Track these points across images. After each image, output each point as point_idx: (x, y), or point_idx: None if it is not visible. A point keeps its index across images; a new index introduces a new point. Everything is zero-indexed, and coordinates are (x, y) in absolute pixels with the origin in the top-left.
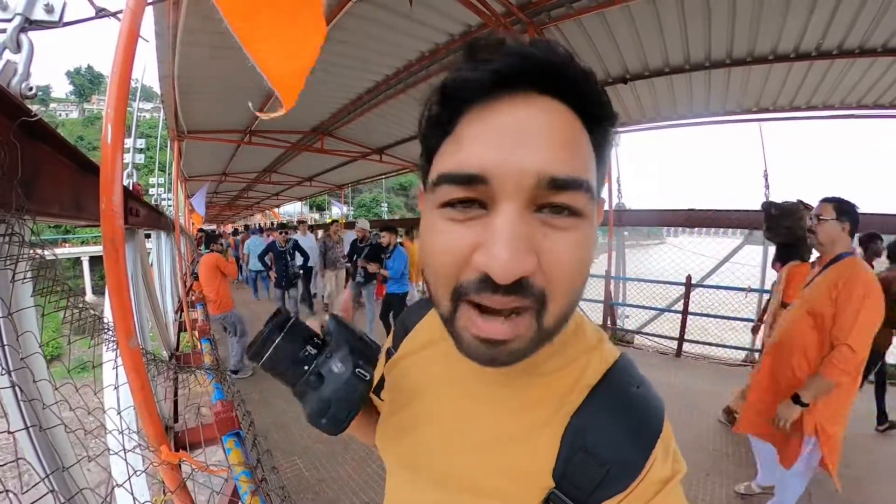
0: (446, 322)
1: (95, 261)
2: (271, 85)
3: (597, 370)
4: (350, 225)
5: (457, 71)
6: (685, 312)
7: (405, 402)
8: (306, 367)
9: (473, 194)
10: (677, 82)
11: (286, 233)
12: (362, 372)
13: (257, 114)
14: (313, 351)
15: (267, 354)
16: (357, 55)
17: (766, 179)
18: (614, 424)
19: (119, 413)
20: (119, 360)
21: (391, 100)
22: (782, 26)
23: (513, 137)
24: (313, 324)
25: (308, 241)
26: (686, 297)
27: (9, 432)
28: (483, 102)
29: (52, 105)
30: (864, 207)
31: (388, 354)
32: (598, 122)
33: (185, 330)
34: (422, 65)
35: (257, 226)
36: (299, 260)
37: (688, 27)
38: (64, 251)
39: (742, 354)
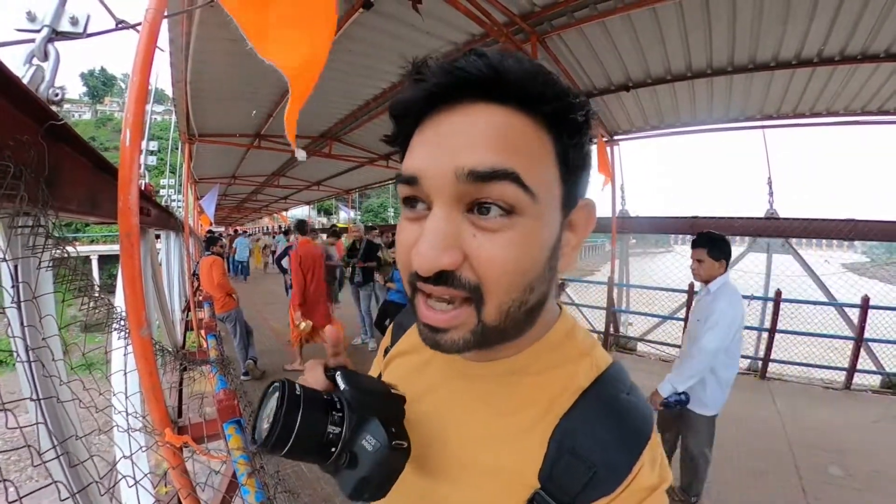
0: (412, 309)
1: (104, 260)
2: (285, 76)
3: (588, 375)
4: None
5: (400, 93)
6: (687, 320)
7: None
8: (333, 449)
9: (416, 193)
10: (679, 90)
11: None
12: (399, 443)
13: (298, 149)
14: (337, 429)
15: (288, 446)
16: (364, 63)
17: (770, 186)
18: (603, 428)
19: (127, 397)
20: (129, 348)
21: None
22: (783, 33)
23: (441, 141)
24: (317, 379)
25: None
26: (688, 304)
27: (31, 399)
28: (429, 116)
29: (66, 106)
30: (866, 214)
31: (386, 352)
32: (554, 119)
33: (192, 329)
34: None
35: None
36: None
37: (689, 35)
38: (73, 250)
39: (745, 363)
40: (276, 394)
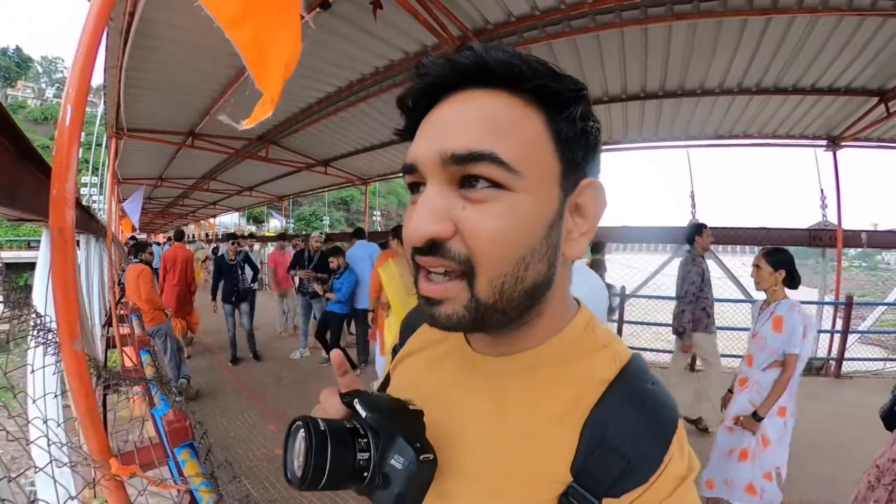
0: (415, 288)
1: (7, 268)
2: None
3: (611, 366)
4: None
5: (407, 88)
6: (620, 321)
7: (411, 400)
8: (365, 474)
9: (416, 179)
10: (614, 110)
11: (237, 244)
12: (426, 456)
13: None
14: (366, 455)
15: (323, 482)
16: (312, 64)
17: (693, 199)
18: (634, 419)
19: (59, 424)
20: (60, 366)
21: (342, 112)
22: (709, 66)
23: (434, 129)
24: (336, 408)
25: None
26: (621, 306)
27: None
28: (429, 109)
29: None
30: (776, 223)
31: (394, 351)
32: (544, 98)
33: (114, 346)
34: (375, 79)
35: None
36: (249, 274)
37: (627, 62)
38: None
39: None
40: (301, 432)
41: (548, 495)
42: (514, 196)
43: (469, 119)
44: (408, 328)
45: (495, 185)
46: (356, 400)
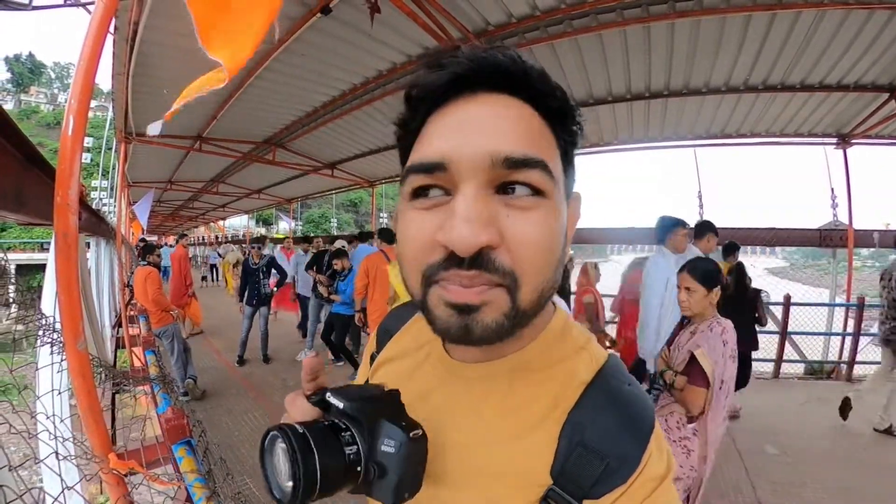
0: (421, 307)
1: (20, 270)
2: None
3: (589, 368)
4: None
5: (419, 77)
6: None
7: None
8: (359, 468)
9: (436, 181)
10: (619, 110)
11: (260, 248)
12: (415, 432)
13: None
14: (354, 448)
15: (318, 489)
16: (315, 69)
17: (700, 199)
18: (612, 420)
19: (62, 420)
20: (64, 364)
21: (346, 115)
22: (714, 64)
23: (468, 127)
24: (304, 410)
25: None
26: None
27: None
28: (444, 104)
29: None
30: (785, 223)
31: (372, 358)
32: (558, 117)
33: (123, 346)
34: (378, 83)
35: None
36: (274, 278)
37: (630, 61)
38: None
39: None
40: (279, 442)
41: (530, 498)
42: (550, 204)
43: (514, 123)
44: (385, 335)
45: (536, 192)
46: (328, 394)
